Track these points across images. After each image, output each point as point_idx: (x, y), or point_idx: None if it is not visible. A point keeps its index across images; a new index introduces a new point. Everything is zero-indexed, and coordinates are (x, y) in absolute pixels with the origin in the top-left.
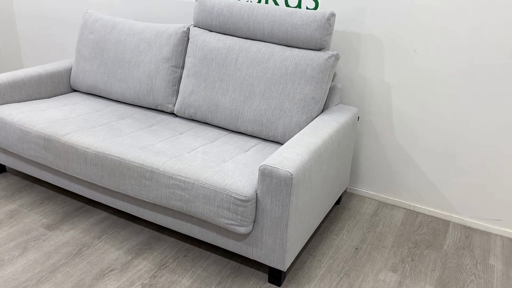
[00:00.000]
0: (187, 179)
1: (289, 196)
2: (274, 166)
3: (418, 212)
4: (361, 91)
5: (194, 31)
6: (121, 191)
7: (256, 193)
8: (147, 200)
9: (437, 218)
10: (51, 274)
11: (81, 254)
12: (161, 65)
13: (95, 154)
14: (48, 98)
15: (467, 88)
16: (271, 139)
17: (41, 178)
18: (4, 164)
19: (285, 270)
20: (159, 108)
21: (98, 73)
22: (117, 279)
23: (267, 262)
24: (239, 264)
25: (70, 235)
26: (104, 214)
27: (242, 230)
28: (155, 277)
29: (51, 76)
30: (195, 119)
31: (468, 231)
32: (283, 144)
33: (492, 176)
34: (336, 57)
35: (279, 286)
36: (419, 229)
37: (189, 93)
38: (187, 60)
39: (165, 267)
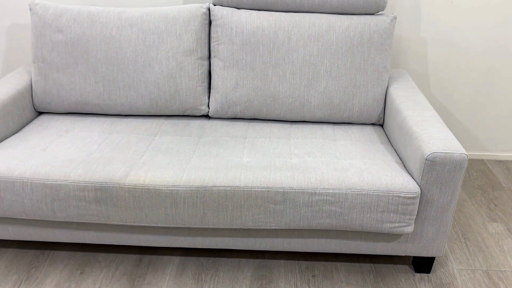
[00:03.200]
0: (337, 190)
1: (460, 180)
2: (446, 151)
3: None
4: (394, 51)
5: (219, 11)
6: (235, 227)
7: (419, 186)
8: (276, 228)
9: (473, 159)
10: None
11: None
12: (184, 59)
13: (191, 190)
14: (18, 131)
15: (505, 36)
16: (345, 121)
17: (71, 241)
18: None
19: (442, 255)
20: (187, 113)
21: (86, 84)
22: None
23: (423, 254)
24: (371, 264)
25: None
26: (176, 259)
27: (409, 229)
28: None
29: (14, 101)
30: (241, 117)
31: (504, 164)
32: (357, 124)
33: None
34: (395, 19)
35: (429, 273)
36: (470, 174)
37: (232, 88)
38: (219, 48)
39: None
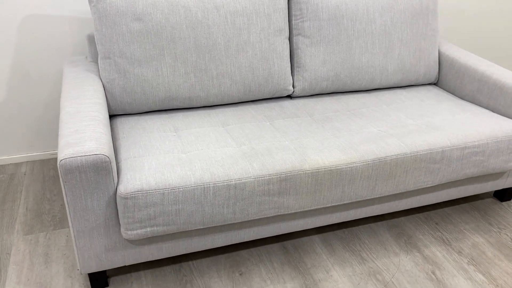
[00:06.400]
0: (481, 141)
1: None
2: None
3: None
4: None
5: None
6: (398, 191)
7: None
8: (431, 185)
9: None
10: None
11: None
12: (275, 40)
13: (368, 164)
14: (114, 139)
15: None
16: (412, 83)
17: (229, 244)
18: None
19: None
20: (276, 95)
21: (176, 76)
22: None
23: None
24: (467, 204)
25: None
26: (315, 238)
27: None
28: (482, 254)
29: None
30: (325, 92)
31: None
32: (419, 85)
33: None
34: None
35: (510, 200)
36: None
37: (320, 64)
38: (304, 25)
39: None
